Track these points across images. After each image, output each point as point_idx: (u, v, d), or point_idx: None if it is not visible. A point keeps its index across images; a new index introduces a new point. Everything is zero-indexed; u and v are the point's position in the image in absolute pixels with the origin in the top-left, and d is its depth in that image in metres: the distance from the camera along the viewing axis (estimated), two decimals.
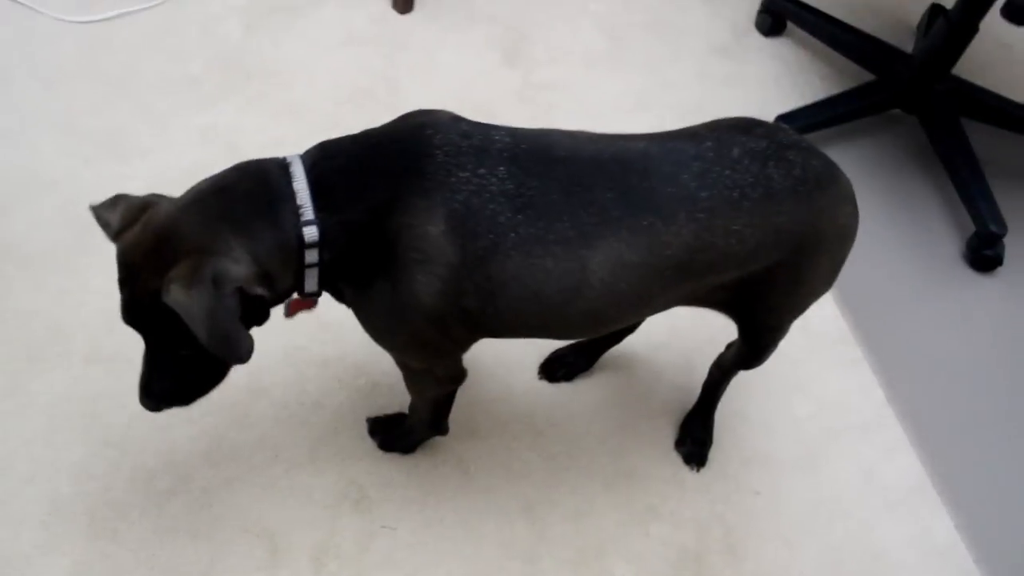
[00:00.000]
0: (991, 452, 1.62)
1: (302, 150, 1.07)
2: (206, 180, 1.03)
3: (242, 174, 1.03)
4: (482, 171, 1.03)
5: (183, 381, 1.09)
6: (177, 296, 0.93)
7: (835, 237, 1.15)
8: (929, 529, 1.51)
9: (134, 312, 1.02)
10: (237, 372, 1.49)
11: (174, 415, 1.45)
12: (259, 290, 0.99)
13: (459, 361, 1.25)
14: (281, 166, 1.04)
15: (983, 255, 1.87)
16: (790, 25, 2.32)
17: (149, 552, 1.34)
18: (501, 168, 1.04)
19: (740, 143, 1.09)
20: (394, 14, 2.18)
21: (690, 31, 2.30)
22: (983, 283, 1.87)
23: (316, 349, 1.56)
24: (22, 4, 2.06)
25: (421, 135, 1.05)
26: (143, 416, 1.46)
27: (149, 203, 1.03)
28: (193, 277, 0.93)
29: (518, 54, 2.16)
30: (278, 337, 1.54)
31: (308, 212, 1.01)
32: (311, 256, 1.03)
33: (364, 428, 1.49)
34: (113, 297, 1.24)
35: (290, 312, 1.14)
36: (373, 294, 1.06)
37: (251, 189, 1.02)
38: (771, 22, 2.29)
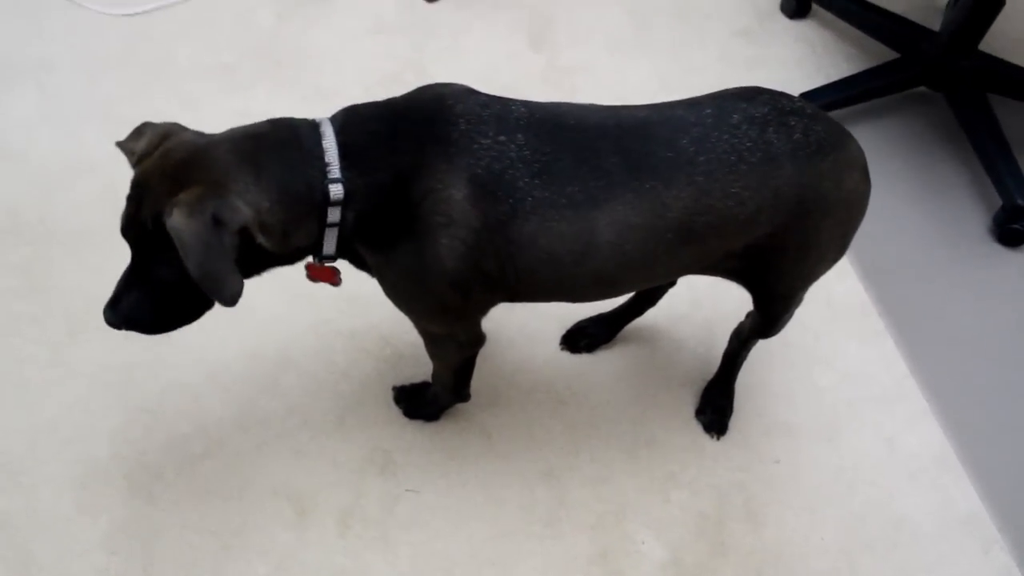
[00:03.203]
0: (1015, 422, 1.61)
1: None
2: (240, 127, 1.07)
3: (274, 127, 1.07)
4: (502, 138, 1.07)
5: (154, 308, 1.08)
6: (177, 221, 0.94)
7: (841, 203, 1.16)
8: (952, 498, 1.51)
9: (134, 228, 1.03)
10: (267, 344, 1.55)
11: (207, 383, 1.50)
12: (261, 238, 1.01)
13: (478, 325, 1.28)
14: (311, 125, 1.08)
15: (1010, 229, 1.86)
16: (815, 7, 2.32)
17: (183, 512, 1.39)
18: (519, 135, 1.07)
19: (741, 110, 1.11)
20: (421, 2, 2.22)
21: (714, 15, 2.31)
22: (1010, 257, 1.86)
23: (344, 322, 1.61)
24: (69, 0, 2.14)
25: (443, 104, 1.09)
26: (177, 384, 1.51)
27: (171, 131, 1.06)
28: (196, 206, 0.95)
29: (543, 38, 2.19)
30: (306, 311, 1.60)
31: (335, 170, 1.04)
32: (333, 215, 1.06)
33: (390, 396, 1.53)
34: None
35: (310, 275, 1.18)
36: (397, 258, 1.10)
37: (281, 141, 1.05)
38: (796, 4, 2.29)
